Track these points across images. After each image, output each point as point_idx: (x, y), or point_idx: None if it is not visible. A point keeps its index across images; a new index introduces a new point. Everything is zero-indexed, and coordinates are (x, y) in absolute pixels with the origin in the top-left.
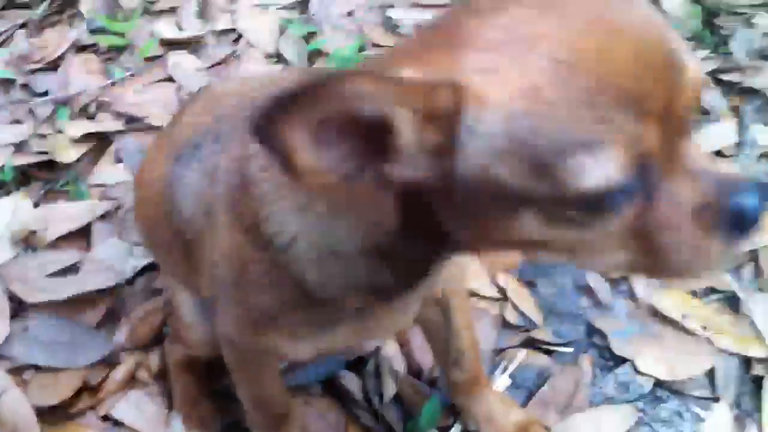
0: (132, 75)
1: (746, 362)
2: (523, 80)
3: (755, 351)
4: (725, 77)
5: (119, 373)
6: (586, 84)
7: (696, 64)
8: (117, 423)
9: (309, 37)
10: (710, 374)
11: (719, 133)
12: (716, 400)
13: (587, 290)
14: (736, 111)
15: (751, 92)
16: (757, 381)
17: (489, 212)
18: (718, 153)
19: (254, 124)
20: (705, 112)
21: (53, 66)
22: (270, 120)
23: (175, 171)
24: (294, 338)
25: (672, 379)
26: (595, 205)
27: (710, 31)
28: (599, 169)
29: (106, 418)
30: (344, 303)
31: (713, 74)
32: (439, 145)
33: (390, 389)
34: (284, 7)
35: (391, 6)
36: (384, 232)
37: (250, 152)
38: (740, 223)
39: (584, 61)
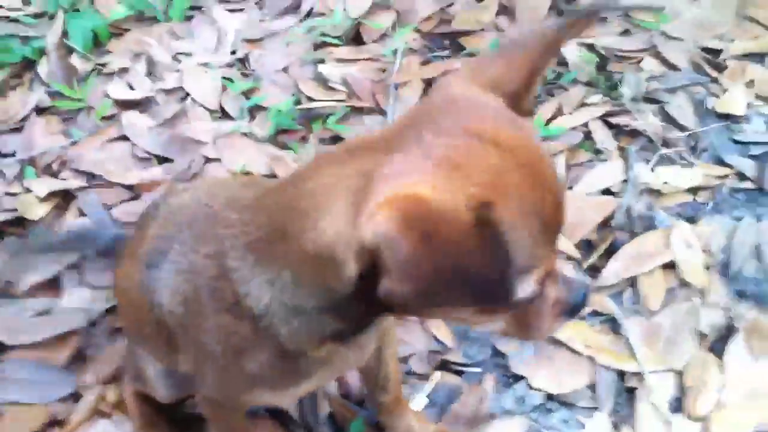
0: (90, 135)
1: (621, 376)
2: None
3: (630, 366)
4: (615, 120)
5: (83, 406)
6: (537, 227)
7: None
8: None
9: (249, 92)
10: (592, 387)
11: (608, 172)
12: (597, 409)
13: None
14: (623, 151)
15: (636, 133)
16: (631, 392)
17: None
18: (608, 190)
19: None
20: (597, 152)
21: (17, 128)
22: None
23: (150, 275)
24: (276, 391)
25: (560, 392)
26: (513, 306)
27: (604, 76)
28: (529, 287)
29: None
30: (314, 352)
31: (605, 117)
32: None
33: (324, 409)
34: (225, 65)
35: (322, 61)
36: (339, 298)
37: (224, 248)
38: (573, 311)
39: (534, 207)
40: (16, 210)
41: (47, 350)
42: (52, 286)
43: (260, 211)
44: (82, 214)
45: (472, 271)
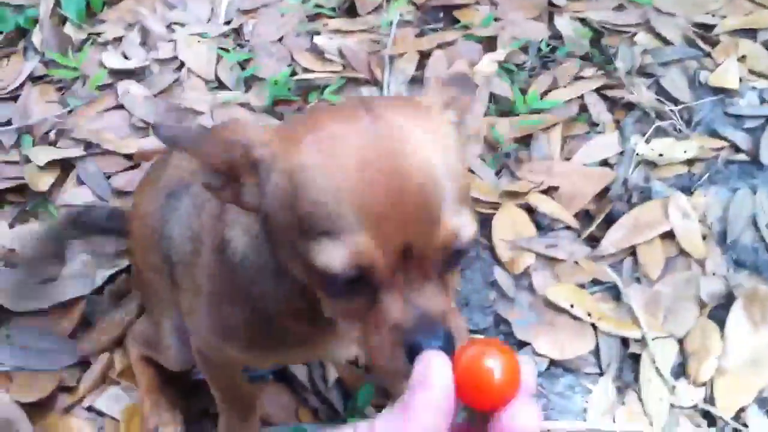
0: (86, 104)
1: (625, 342)
2: (314, 161)
3: (632, 333)
4: (610, 93)
5: (91, 373)
6: (348, 197)
7: (452, 224)
8: (99, 413)
9: (244, 63)
10: (596, 354)
11: (604, 144)
12: (601, 374)
13: (495, 286)
14: (618, 124)
15: (631, 106)
16: (635, 357)
17: (284, 246)
18: (605, 162)
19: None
20: (593, 125)
21: (12, 96)
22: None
23: (169, 203)
24: (251, 351)
25: (563, 358)
26: (329, 282)
27: (598, 50)
28: (327, 256)
29: (89, 410)
30: (284, 322)
31: (600, 90)
32: (255, 183)
33: (332, 375)
34: (220, 35)
35: (317, 33)
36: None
37: None
38: (412, 346)
39: (357, 182)
40: (17, 178)
41: (53, 317)
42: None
43: None
44: (81, 182)
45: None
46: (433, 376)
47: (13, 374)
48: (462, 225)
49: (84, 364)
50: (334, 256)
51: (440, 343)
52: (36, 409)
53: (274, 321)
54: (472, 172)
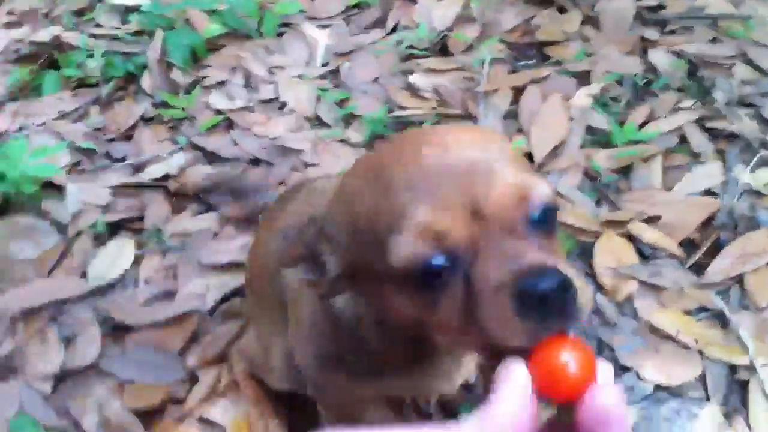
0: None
1: (732, 369)
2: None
3: (740, 360)
4: (709, 124)
5: (202, 385)
6: (401, 185)
7: (512, 179)
8: (209, 423)
9: (342, 102)
10: (702, 379)
11: (707, 173)
12: (708, 399)
13: (598, 312)
14: (721, 154)
15: (733, 137)
16: (743, 384)
17: (372, 290)
18: (708, 191)
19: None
20: (694, 155)
21: (126, 136)
22: None
23: (281, 246)
24: (355, 381)
25: (669, 384)
26: (420, 284)
27: (695, 82)
28: (401, 247)
29: (200, 420)
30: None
31: (699, 122)
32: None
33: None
34: (318, 77)
35: (411, 72)
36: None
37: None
38: (534, 303)
39: (407, 169)
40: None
41: (166, 333)
42: (168, 275)
43: None
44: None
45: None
46: (511, 371)
47: (126, 386)
48: (527, 181)
49: (192, 379)
50: (406, 242)
51: (553, 282)
52: (146, 418)
53: (373, 352)
54: (570, 201)
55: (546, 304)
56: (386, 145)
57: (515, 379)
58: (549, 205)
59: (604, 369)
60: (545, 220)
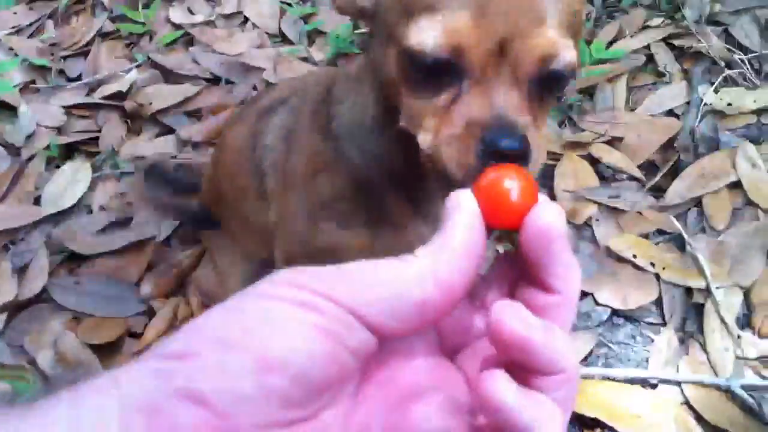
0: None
1: (689, 293)
2: None
3: (697, 282)
4: (678, 42)
5: (159, 319)
6: None
7: (552, 35)
8: None
9: (307, 17)
10: (659, 303)
11: (671, 94)
12: (664, 324)
13: None
14: (687, 73)
15: (699, 56)
16: (699, 308)
17: (382, 43)
18: (671, 112)
19: None
20: (660, 75)
21: (83, 52)
22: None
23: (263, 119)
24: (346, 228)
25: (625, 308)
26: (417, 68)
27: None
28: (423, 32)
29: None
30: (381, 189)
31: (667, 40)
32: None
33: None
34: None
35: None
36: (382, 100)
37: (334, 80)
38: (491, 154)
39: None
40: (90, 131)
41: (121, 262)
42: (123, 201)
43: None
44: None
45: None
46: (461, 201)
47: (81, 319)
48: (563, 44)
49: (149, 312)
50: (429, 31)
51: (516, 144)
52: (103, 353)
53: (371, 189)
54: None
55: (501, 158)
56: None
57: (464, 207)
58: (565, 74)
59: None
60: (551, 86)
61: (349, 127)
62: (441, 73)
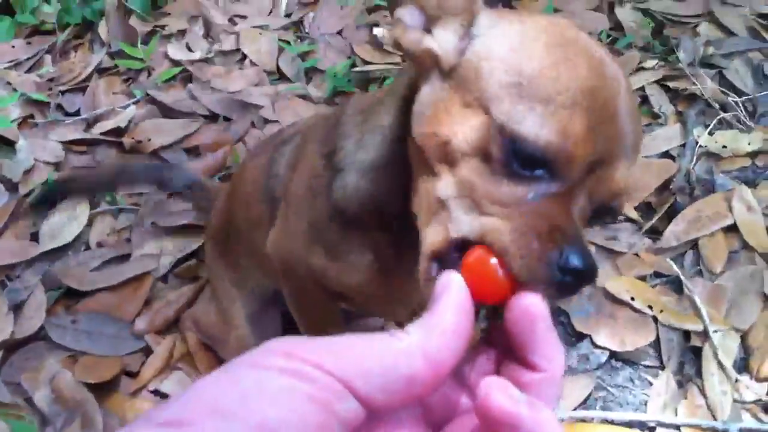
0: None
1: (686, 336)
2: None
3: (694, 326)
4: (672, 84)
5: (156, 357)
6: (580, 85)
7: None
8: (164, 396)
9: (305, 54)
10: (656, 346)
11: (666, 136)
12: (662, 368)
13: None
14: (681, 115)
15: (693, 98)
16: (697, 351)
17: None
18: (666, 154)
19: None
20: (655, 116)
21: (80, 88)
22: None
23: (278, 150)
24: (332, 260)
25: (623, 350)
26: (508, 152)
27: (659, 41)
28: (535, 124)
29: (154, 393)
30: (365, 225)
31: (662, 81)
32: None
33: None
34: (281, 28)
35: (376, 24)
36: (393, 140)
37: (343, 112)
38: (567, 268)
39: (588, 77)
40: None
41: (118, 299)
42: (121, 238)
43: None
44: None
45: None
46: (452, 282)
47: (78, 357)
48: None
49: (146, 350)
50: (542, 126)
51: (590, 267)
52: (100, 392)
53: (360, 226)
54: None
55: (573, 275)
56: (582, 37)
57: (455, 289)
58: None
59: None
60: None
61: (352, 163)
62: (532, 165)
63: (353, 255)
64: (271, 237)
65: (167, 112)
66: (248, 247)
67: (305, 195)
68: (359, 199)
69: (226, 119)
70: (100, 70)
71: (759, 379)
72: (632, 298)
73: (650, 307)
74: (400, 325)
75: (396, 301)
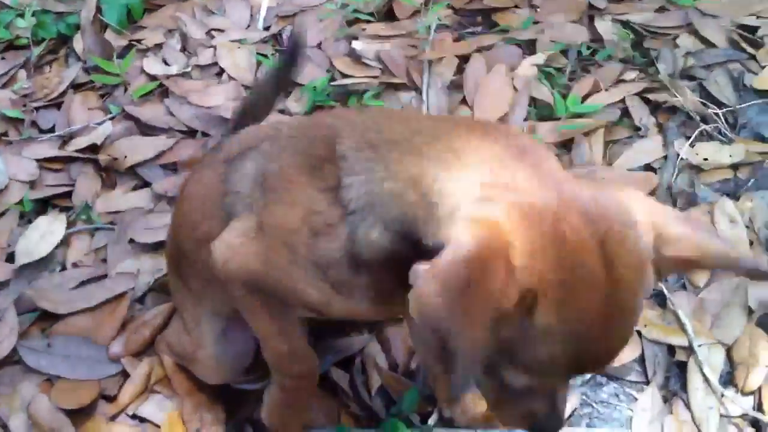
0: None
1: (671, 351)
2: None
3: (679, 340)
4: (652, 96)
5: (134, 381)
6: (563, 365)
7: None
8: (142, 420)
9: None
10: (641, 361)
11: (647, 149)
12: (647, 383)
13: None
14: (662, 127)
15: (674, 110)
16: (682, 366)
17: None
18: (648, 167)
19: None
20: (636, 129)
21: (56, 104)
22: None
23: (233, 166)
24: (337, 292)
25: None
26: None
27: (640, 53)
28: (518, 382)
29: (132, 417)
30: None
31: (642, 94)
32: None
33: (375, 382)
34: (259, 41)
35: (355, 38)
36: (410, 222)
37: (339, 135)
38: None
39: (573, 355)
40: (64, 185)
41: (95, 321)
42: (97, 258)
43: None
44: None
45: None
46: None
47: (54, 382)
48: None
49: (124, 373)
50: (524, 385)
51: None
52: (77, 417)
53: (372, 268)
54: None
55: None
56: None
57: None
58: None
59: None
60: None
61: (371, 210)
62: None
63: (359, 290)
64: (223, 250)
65: (144, 128)
66: (197, 268)
67: (300, 230)
68: (383, 250)
69: (204, 134)
70: (76, 86)
71: (745, 393)
72: None
73: None
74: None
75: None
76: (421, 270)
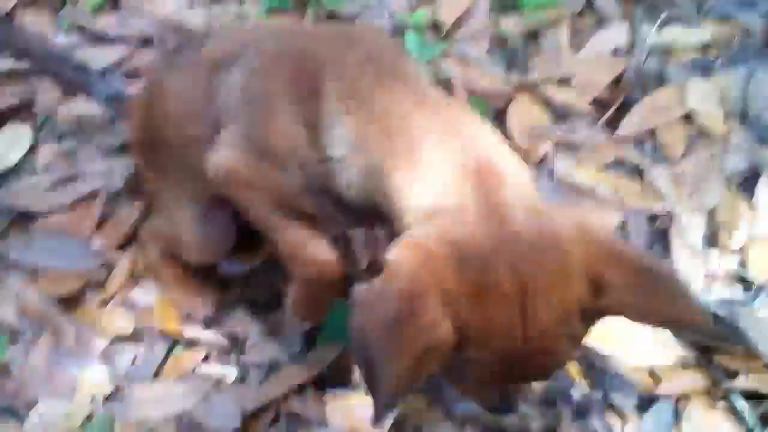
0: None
1: (652, 220)
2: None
3: (659, 208)
4: None
5: (121, 269)
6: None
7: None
8: (136, 305)
9: None
10: (623, 228)
11: (614, 34)
12: None
13: None
14: (627, 15)
15: None
16: (663, 233)
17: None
18: (616, 52)
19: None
20: (601, 18)
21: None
22: None
23: (216, 75)
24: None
25: None
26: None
27: None
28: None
29: (125, 303)
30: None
31: None
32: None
33: None
34: None
35: None
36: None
37: (327, 74)
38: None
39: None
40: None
41: (72, 217)
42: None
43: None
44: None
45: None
46: None
47: (41, 273)
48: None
49: (110, 266)
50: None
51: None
52: (67, 304)
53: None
54: (481, 67)
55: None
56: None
57: None
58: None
59: None
60: None
61: (352, 162)
62: None
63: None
64: (221, 161)
65: (97, 41)
66: (181, 161)
67: (287, 158)
68: (360, 201)
69: (161, 43)
70: (25, 3)
71: (729, 252)
72: (597, 185)
73: (615, 191)
74: None
75: None
76: (361, 291)
